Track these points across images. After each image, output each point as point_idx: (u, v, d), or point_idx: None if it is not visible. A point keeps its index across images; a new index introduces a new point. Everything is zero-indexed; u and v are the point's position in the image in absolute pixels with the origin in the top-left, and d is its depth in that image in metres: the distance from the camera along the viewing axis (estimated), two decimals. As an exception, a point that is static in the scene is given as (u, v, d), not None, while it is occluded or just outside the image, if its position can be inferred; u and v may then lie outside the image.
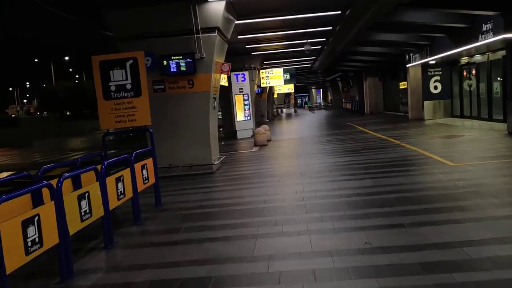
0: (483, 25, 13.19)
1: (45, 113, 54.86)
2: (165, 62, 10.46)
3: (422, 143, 12.81)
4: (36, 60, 77.61)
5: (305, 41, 17.23)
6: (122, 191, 6.04)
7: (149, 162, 7.30)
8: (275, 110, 54.20)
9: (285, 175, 9.68)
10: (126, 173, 6.25)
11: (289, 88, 42.46)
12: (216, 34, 10.44)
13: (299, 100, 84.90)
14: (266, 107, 37.80)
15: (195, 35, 10.30)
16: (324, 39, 18.22)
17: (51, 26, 12.67)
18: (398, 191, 7.03)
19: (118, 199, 5.93)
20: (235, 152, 15.41)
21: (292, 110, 61.57)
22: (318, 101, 79.63)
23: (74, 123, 49.55)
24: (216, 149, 11.80)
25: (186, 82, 10.68)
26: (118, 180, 5.94)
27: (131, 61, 7.40)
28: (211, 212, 6.93)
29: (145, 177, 7.05)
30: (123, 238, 5.89)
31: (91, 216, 5.07)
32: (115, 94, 7.49)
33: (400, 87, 27.96)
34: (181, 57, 10.44)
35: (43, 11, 10.30)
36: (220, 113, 24.45)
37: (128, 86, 7.46)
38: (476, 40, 13.85)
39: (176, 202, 7.93)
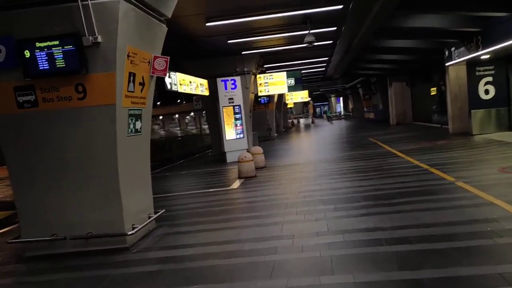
0: None
1: None
2: (27, 53, 5.70)
3: (494, 182, 7.74)
4: None
5: (307, 31, 12.31)
6: None
7: None
8: (290, 121, 49.56)
9: (248, 271, 4.77)
10: None
11: (303, 97, 37.49)
12: (120, -1, 5.66)
13: (317, 110, 79.99)
14: (276, 119, 33.11)
15: (80, 2, 5.55)
16: (335, 28, 13.28)
17: None
18: None
19: None
20: (202, 191, 10.54)
21: (310, 120, 56.42)
22: (338, 110, 74.42)
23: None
24: (144, 203, 6.96)
25: (72, 89, 5.91)
26: None
27: None
28: None
29: None
30: None
31: None
32: None
33: (433, 93, 22.83)
34: (56, 42, 5.67)
35: None
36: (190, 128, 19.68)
37: None
38: None
39: None
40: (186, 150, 26.40)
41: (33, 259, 6.18)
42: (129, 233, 6.09)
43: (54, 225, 6.22)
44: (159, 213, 7.28)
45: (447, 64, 16.78)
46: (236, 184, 10.76)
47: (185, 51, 15.19)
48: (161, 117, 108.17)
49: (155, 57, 6.98)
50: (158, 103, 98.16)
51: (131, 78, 6.27)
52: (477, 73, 15.63)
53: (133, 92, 6.38)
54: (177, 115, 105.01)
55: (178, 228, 7.08)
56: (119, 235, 6.10)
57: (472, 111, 15.85)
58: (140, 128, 6.77)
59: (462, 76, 16.74)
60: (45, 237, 6.22)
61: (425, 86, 24.27)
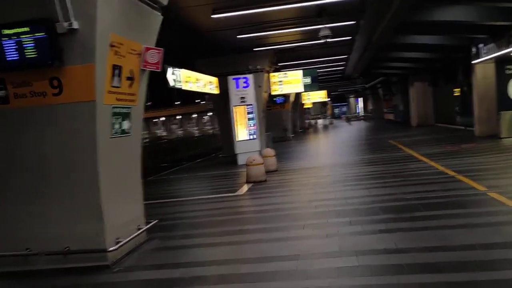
0: None
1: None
2: (-7, 42, 4.97)
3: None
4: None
5: (323, 25, 11.39)
6: None
7: None
8: (307, 121, 48.61)
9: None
10: None
11: (321, 97, 36.44)
12: (99, -22, 4.88)
13: (336, 110, 78.65)
14: (293, 119, 32.22)
15: (53, -18, 4.81)
16: (353, 22, 12.35)
17: None
18: None
19: None
20: (206, 196, 9.74)
21: (328, 121, 55.27)
22: (357, 111, 73.04)
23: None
24: (133, 213, 6.16)
25: (47, 84, 5.15)
26: None
27: None
28: None
29: None
30: None
31: None
32: None
33: (456, 94, 21.66)
34: (26, 28, 4.92)
35: None
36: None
37: None
38: None
39: None
40: (200, 151, 25.78)
41: (3, 276, 5.44)
42: (110, 249, 5.29)
43: (27, 239, 5.47)
44: (151, 224, 6.49)
45: (473, 62, 15.65)
46: (243, 190, 9.94)
47: (194, 48, 14.46)
48: (178, 117, 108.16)
49: (147, 49, 6.20)
50: (178, 102, 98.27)
51: (116, 71, 5.49)
52: (507, 72, 14.55)
53: (118, 87, 5.60)
54: (195, 115, 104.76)
55: (171, 241, 6.28)
56: (98, 251, 5.31)
57: (501, 112, 14.71)
58: (129, 129, 5.99)
59: (490, 75, 15.62)
60: (17, 251, 5.47)
61: (449, 86, 23.10)
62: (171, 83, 10.56)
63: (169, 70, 10.46)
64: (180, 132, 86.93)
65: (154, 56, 6.29)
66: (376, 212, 6.57)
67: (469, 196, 6.95)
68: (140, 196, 6.44)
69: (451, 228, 5.36)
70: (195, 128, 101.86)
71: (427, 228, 5.46)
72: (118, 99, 5.63)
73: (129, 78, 5.86)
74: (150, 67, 6.29)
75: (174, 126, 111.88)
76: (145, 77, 6.41)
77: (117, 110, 5.64)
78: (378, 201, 7.31)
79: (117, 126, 5.67)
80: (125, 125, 5.89)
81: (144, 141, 58.91)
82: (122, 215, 5.80)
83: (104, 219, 5.34)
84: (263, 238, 5.86)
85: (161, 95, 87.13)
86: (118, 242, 5.52)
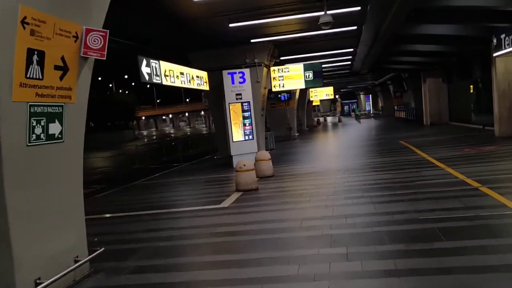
0: None
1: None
2: None
3: None
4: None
5: (324, 12, 9.92)
6: None
7: None
8: (316, 118, 47.36)
9: None
10: None
11: (328, 94, 34.86)
12: None
13: (346, 107, 76.89)
14: (299, 117, 30.84)
15: None
16: (359, 8, 10.85)
17: None
18: None
19: None
20: (184, 209, 8.37)
21: (337, 119, 53.70)
22: (367, 108, 71.39)
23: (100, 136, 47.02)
24: (66, 242, 4.77)
25: None
26: None
27: None
28: None
29: None
30: None
31: None
32: None
33: (472, 90, 20.07)
34: None
35: None
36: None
37: None
38: None
39: None
40: (203, 149, 24.81)
41: None
42: (22, 296, 3.94)
43: None
44: (95, 254, 5.12)
45: (495, 54, 14.08)
46: (230, 201, 8.56)
47: (184, 40, 13.11)
48: (187, 114, 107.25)
49: (88, 31, 4.82)
50: (187, 99, 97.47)
51: (34, 58, 4.12)
52: (533, 65, 12.96)
53: (40, 79, 4.23)
54: (202, 112, 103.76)
55: (118, 278, 4.91)
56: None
57: (526, 111, 13.17)
58: (60, 133, 4.62)
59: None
60: None
61: (464, 82, 21.48)
62: (146, 77, 9.12)
63: (143, 62, 9.01)
64: (188, 130, 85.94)
65: (98, 40, 4.92)
66: (382, 239, 5.14)
67: (501, 219, 5.48)
68: (80, 219, 5.07)
69: (481, 272, 3.93)
70: (203, 125, 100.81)
71: (449, 271, 4.01)
72: (39, 95, 4.27)
73: (58, 68, 4.50)
74: (92, 54, 4.92)
75: (182, 124, 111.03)
76: (88, 67, 5.03)
77: (39, 109, 4.28)
78: (385, 222, 5.88)
79: (38, 130, 4.31)
80: (54, 128, 4.53)
81: (152, 137, 57.80)
82: (47, 246, 4.45)
83: (13, 254, 3.99)
84: (233, 277, 4.47)
85: (170, 91, 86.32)
86: (38, 284, 4.17)
